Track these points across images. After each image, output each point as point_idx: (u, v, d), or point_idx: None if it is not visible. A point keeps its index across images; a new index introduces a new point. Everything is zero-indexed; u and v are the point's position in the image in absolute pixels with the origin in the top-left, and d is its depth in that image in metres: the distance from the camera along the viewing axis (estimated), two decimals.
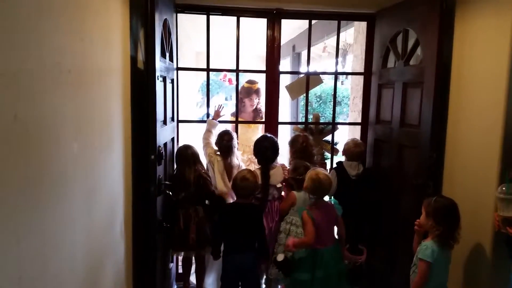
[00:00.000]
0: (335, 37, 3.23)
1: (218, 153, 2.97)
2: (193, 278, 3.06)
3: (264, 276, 2.89)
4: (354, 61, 4.92)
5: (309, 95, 3.31)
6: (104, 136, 1.82)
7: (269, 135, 2.93)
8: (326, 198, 2.60)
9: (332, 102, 3.36)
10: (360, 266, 2.80)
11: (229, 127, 3.45)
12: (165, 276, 2.75)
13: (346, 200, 2.65)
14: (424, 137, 2.39)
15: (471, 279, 2.23)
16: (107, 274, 1.89)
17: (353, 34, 4.89)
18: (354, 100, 4.85)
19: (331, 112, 3.29)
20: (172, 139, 2.89)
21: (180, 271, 3.15)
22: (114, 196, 2.01)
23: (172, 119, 2.86)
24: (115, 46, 1.98)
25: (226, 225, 2.51)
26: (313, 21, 3.24)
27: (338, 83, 4.93)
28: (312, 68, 3.73)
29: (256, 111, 4.12)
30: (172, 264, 3.01)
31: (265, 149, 2.82)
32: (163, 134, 2.48)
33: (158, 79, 2.22)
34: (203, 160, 2.98)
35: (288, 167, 2.90)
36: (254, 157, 2.98)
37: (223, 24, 3.54)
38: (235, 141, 2.97)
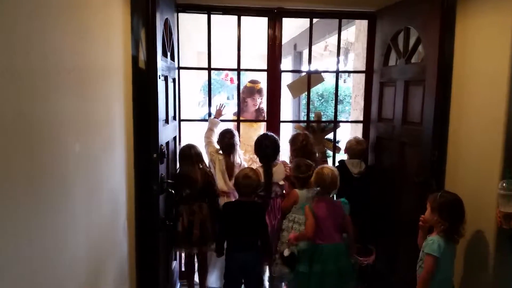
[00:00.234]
0: (336, 35, 3.23)
1: (220, 152, 2.98)
2: (195, 277, 3.07)
3: (267, 274, 2.90)
4: (355, 59, 4.92)
5: (311, 93, 3.31)
6: (106, 135, 1.83)
7: (269, 133, 2.94)
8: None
9: (334, 101, 3.35)
10: (367, 267, 2.80)
11: (231, 126, 3.45)
12: (168, 274, 2.77)
13: (348, 198, 2.64)
14: (426, 134, 2.39)
15: (475, 274, 2.23)
16: (111, 272, 1.90)
17: (355, 33, 4.88)
18: (356, 98, 4.85)
19: (333, 111, 3.29)
20: (174, 138, 2.90)
21: (183, 269, 3.15)
22: (116, 194, 2.01)
23: (174, 118, 2.87)
24: (116, 46, 1.99)
25: (228, 223, 2.52)
26: (314, 20, 3.23)
27: (340, 82, 4.92)
28: (313, 67, 3.73)
29: (259, 110, 4.12)
30: (175, 262, 3.02)
31: (266, 147, 2.83)
32: (165, 133, 2.49)
33: (159, 78, 2.23)
34: (206, 159, 2.98)
35: (289, 164, 2.90)
36: (256, 157, 2.99)
37: (224, 23, 3.55)
38: (237, 139, 2.98)
